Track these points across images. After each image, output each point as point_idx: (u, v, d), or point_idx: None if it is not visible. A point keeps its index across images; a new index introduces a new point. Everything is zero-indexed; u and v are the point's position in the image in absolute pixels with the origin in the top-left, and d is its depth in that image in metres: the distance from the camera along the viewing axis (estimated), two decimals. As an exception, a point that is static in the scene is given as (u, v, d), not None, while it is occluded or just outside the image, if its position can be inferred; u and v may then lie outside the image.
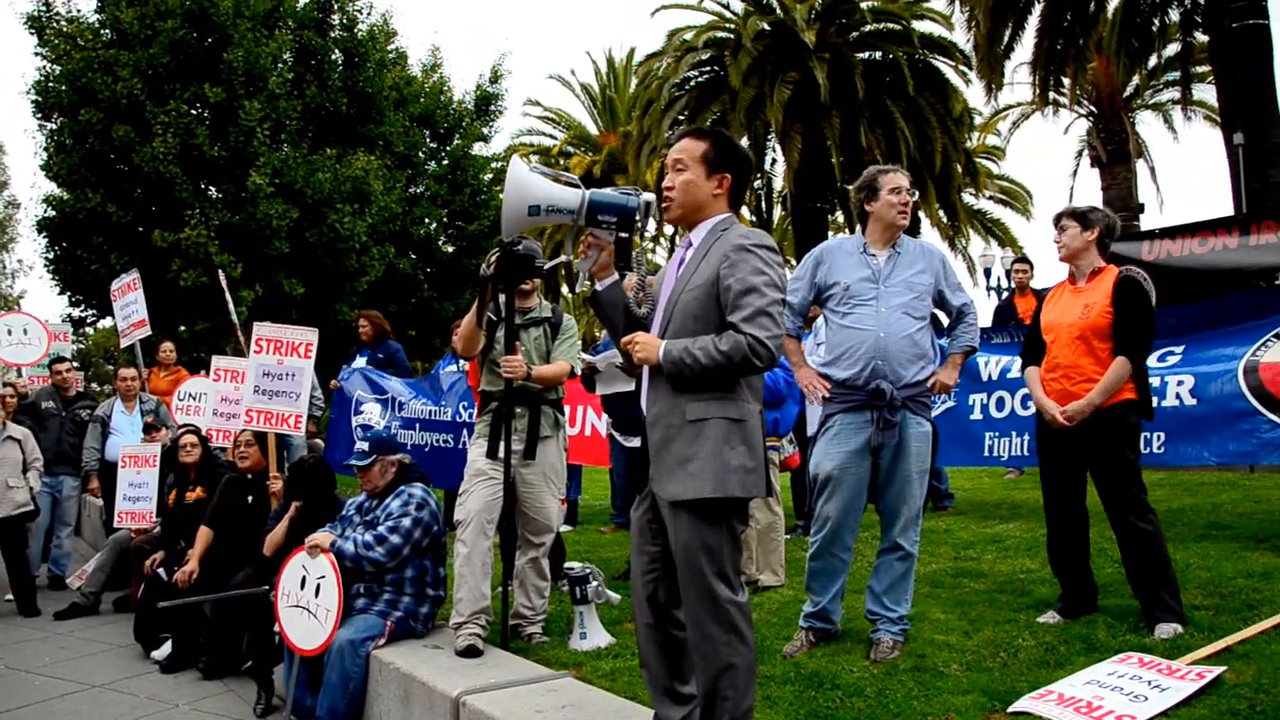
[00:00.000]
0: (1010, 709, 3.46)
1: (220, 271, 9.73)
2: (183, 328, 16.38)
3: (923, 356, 4.30)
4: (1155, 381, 5.55)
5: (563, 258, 3.25)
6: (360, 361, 9.09)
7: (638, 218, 3.05)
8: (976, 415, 6.90)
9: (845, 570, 4.47)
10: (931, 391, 4.34)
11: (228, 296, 9.01)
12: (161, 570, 6.64)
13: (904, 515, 4.32)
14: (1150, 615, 4.29)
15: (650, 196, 3.10)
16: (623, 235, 3.07)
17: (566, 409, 7.47)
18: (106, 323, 18.97)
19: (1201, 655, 3.83)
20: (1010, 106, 28.46)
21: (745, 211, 27.56)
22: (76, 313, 17.08)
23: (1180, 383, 5.61)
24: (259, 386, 6.68)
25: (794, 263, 23.86)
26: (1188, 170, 68.30)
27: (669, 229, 28.31)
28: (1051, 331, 4.57)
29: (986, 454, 6.89)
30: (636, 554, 3.19)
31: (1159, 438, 5.65)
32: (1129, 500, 4.37)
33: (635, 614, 3.23)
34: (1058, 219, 4.61)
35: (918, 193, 4.06)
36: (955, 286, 4.44)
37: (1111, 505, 4.43)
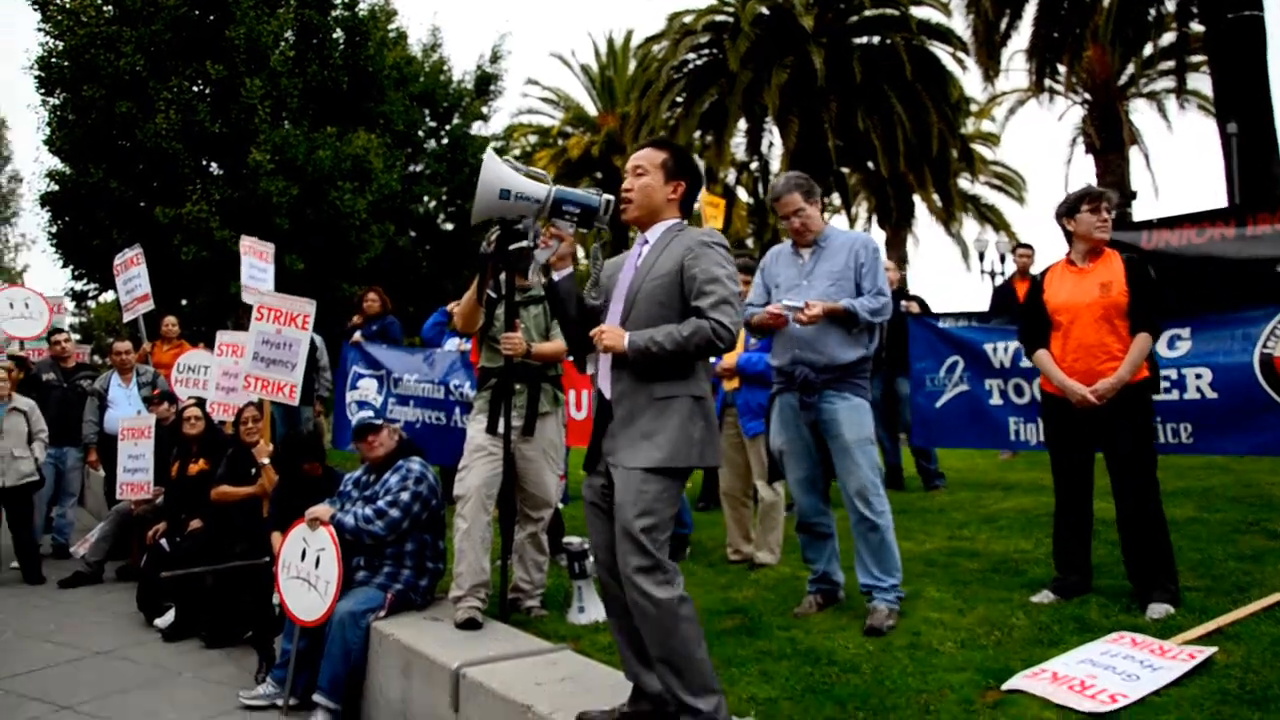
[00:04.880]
0: (1004, 686, 3.50)
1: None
2: (184, 302, 16.38)
3: (849, 339, 4.50)
4: (1172, 374, 5.58)
5: (525, 243, 3.38)
6: (356, 335, 9.09)
7: (600, 213, 3.31)
8: (996, 400, 6.88)
9: (830, 533, 4.76)
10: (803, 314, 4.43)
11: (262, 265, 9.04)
12: (164, 541, 6.70)
13: (852, 486, 4.48)
14: (1144, 595, 4.33)
15: (610, 197, 3.34)
16: (582, 229, 3.37)
17: (573, 393, 7.53)
18: (108, 296, 18.98)
19: (1193, 636, 3.87)
20: (1006, 93, 28.37)
21: (742, 194, 27.54)
22: (79, 286, 17.07)
23: (1199, 376, 5.60)
24: (258, 354, 6.71)
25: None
26: (1181, 159, 68.22)
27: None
28: (1068, 312, 4.55)
29: (1013, 438, 6.91)
30: (596, 530, 3.31)
31: (1186, 429, 5.64)
32: (1144, 477, 4.40)
33: (603, 585, 3.37)
34: (1099, 196, 4.61)
35: (813, 207, 4.35)
36: (872, 279, 4.54)
37: (1125, 482, 4.44)
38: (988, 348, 6.98)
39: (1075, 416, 4.52)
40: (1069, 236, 4.73)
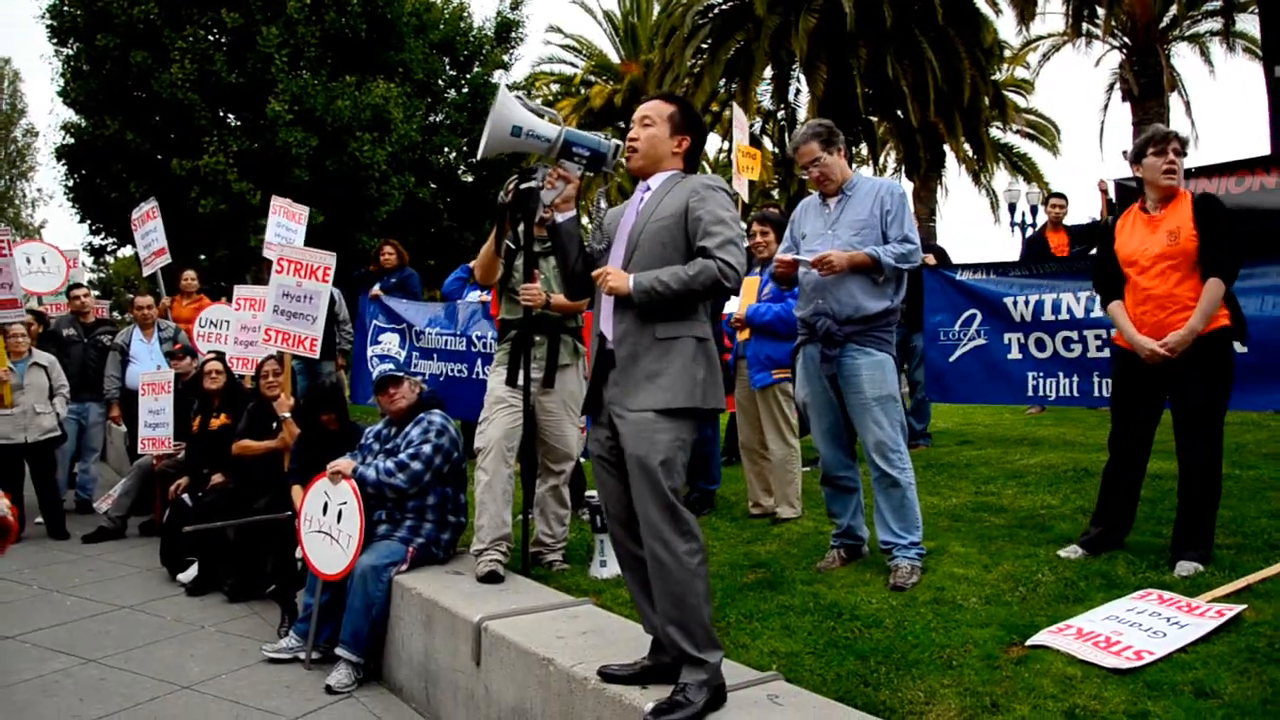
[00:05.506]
0: (1029, 642, 3.47)
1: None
2: (203, 256, 16.41)
3: (874, 289, 4.42)
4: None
5: (533, 183, 3.33)
6: (375, 288, 9.08)
7: (609, 158, 3.33)
8: (1015, 355, 6.81)
9: (855, 488, 4.71)
10: (817, 265, 4.39)
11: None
12: (186, 496, 6.73)
13: (870, 441, 4.44)
14: (1176, 551, 4.25)
15: (619, 142, 3.35)
16: (589, 173, 3.36)
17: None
18: (127, 251, 19.04)
19: (1222, 593, 3.81)
20: (1041, 38, 27.70)
21: (768, 143, 27.24)
22: (97, 241, 17.13)
23: None
24: (278, 307, 6.69)
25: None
26: (1225, 106, 66.52)
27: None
28: (1136, 263, 4.37)
29: (1030, 393, 6.82)
30: (605, 485, 3.30)
31: None
32: (1213, 432, 4.25)
33: (613, 537, 3.37)
34: (1163, 138, 4.36)
35: (832, 152, 4.34)
36: (899, 226, 4.45)
37: (1192, 436, 4.27)
38: (1008, 301, 6.89)
39: (1145, 371, 4.35)
40: (1140, 184, 4.55)
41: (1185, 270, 4.24)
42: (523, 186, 3.47)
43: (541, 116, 3.36)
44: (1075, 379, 6.58)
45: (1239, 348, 4.57)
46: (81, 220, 16.56)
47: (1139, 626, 3.50)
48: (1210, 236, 4.19)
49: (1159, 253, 4.28)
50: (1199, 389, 4.26)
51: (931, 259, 7.94)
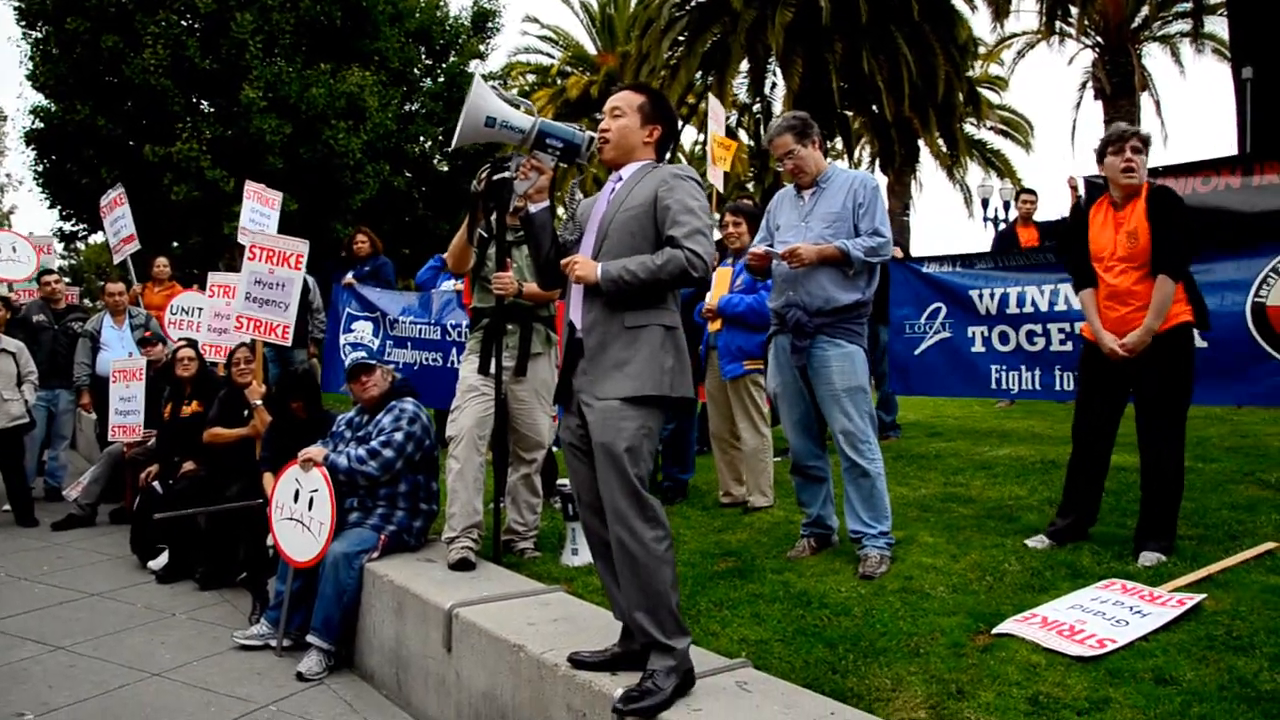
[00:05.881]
0: (994, 631, 3.51)
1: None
2: (176, 243, 16.26)
3: (844, 281, 4.44)
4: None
5: (506, 173, 3.33)
6: (348, 276, 9.04)
7: (583, 149, 3.33)
8: (978, 348, 6.84)
9: (825, 478, 4.75)
10: (786, 258, 4.42)
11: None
12: (156, 483, 6.70)
13: (839, 432, 4.48)
14: (1140, 542, 4.31)
15: (594, 134, 3.36)
16: (563, 164, 3.35)
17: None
18: (98, 238, 18.84)
19: (1183, 583, 3.88)
20: (1015, 35, 28.02)
21: (744, 137, 27.30)
22: (68, 227, 16.93)
23: None
24: (250, 294, 6.64)
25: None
26: (1193, 106, 67.27)
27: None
28: (1102, 260, 4.43)
29: (993, 386, 6.87)
30: (576, 471, 3.32)
31: None
32: (1170, 425, 4.31)
33: (584, 525, 3.38)
34: (1119, 137, 4.39)
35: (804, 148, 4.36)
36: (870, 219, 4.47)
37: (1150, 429, 4.34)
38: (974, 294, 6.91)
39: (1110, 364, 4.42)
40: (1108, 182, 4.58)
41: (1147, 269, 4.30)
42: (496, 177, 3.46)
43: (516, 107, 3.35)
44: (1037, 372, 6.63)
45: (1200, 341, 4.64)
46: (52, 206, 16.36)
47: (1102, 615, 3.55)
48: (1160, 231, 4.25)
49: (1121, 255, 4.36)
50: (1153, 382, 4.33)
51: (898, 251, 7.99)
